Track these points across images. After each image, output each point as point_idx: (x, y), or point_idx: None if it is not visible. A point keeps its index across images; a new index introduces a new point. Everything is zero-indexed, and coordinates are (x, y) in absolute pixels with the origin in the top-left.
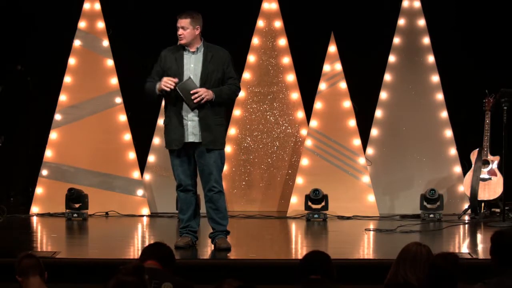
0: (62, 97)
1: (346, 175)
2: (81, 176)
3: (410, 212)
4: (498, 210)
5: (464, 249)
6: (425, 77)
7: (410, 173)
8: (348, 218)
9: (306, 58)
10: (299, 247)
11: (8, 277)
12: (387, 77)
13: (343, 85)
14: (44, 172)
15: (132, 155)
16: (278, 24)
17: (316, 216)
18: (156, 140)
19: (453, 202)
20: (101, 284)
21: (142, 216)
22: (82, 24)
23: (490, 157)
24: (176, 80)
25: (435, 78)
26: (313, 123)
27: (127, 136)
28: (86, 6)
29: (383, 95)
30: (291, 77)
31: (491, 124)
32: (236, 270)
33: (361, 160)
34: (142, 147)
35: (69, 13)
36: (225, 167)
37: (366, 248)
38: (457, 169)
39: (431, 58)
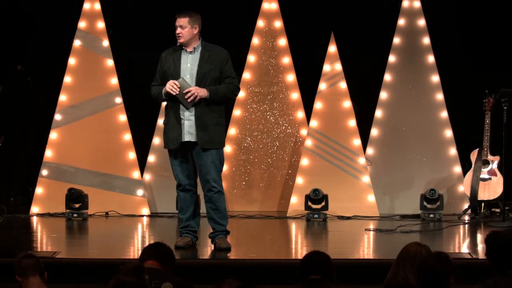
0: (62, 97)
1: (346, 175)
2: (81, 176)
3: (410, 212)
4: (498, 210)
5: (464, 249)
6: (425, 77)
7: (410, 173)
8: (348, 218)
9: (306, 58)
10: (299, 247)
11: (8, 277)
12: (387, 77)
13: (343, 85)
14: (44, 172)
15: (132, 155)
16: (278, 24)
17: (316, 216)
18: (156, 140)
19: (453, 202)
20: (101, 284)
21: (142, 216)
22: (82, 24)
23: (490, 157)
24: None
25: (435, 78)
26: (313, 123)
27: (127, 136)
28: (86, 6)
29: (383, 95)
30: (291, 77)
31: (491, 124)
32: (236, 270)
33: (361, 160)
34: (142, 147)
35: (69, 13)
36: (225, 167)
37: (366, 248)
38: (457, 169)
39: (431, 58)
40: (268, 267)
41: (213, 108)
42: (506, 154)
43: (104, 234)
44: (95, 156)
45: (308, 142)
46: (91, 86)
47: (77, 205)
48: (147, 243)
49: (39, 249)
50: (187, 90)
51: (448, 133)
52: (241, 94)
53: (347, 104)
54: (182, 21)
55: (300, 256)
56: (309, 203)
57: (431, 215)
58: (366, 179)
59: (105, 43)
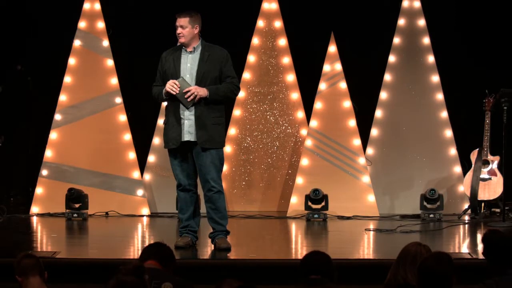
0: (62, 97)
1: (346, 175)
2: (81, 176)
3: (410, 212)
4: (498, 210)
5: (464, 249)
6: (425, 77)
7: (410, 173)
8: (348, 218)
9: (306, 58)
10: (299, 247)
11: (8, 277)
12: (387, 77)
13: (343, 85)
14: (44, 172)
15: (132, 155)
16: (278, 24)
17: (316, 216)
18: (156, 140)
19: (453, 202)
20: (101, 284)
21: (142, 216)
22: (82, 24)
23: (490, 157)
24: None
25: (435, 78)
26: (313, 123)
27: (127, 136)
28: (86, 6)
29: (383, 95)
30: (291, 77)
31: (491, 124)
32: (236, 270)
33: (361, 160)
34: (142, 147)
35: (69, 13)
36: (225, 167)
37: (366, 248)
38: (457, 169)
39: (431, 58)
40: (268, 267)
41: (213, 108)
42: (506, 154)
43: (104, 234)
44: (95, 156)
45: (308, 142)
46: (91, 86)
47: (77, 205)
48: (147, 243)
49: (39, 249)
50: (187, 89)
51: (448, 133)
52: (241, 94)
53: (347, 104)
54: (183, 21)
55: (300, 256)
56: (309, 203)
57: (431, 215)
58: (366, 179)
59: (105, 43)
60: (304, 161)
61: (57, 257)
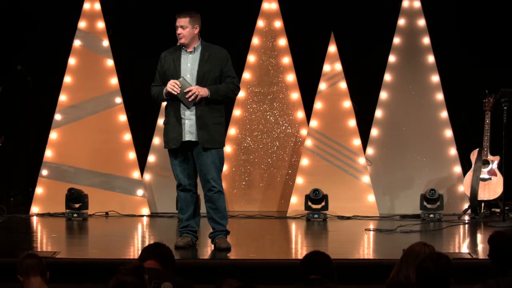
0: (62, 97)
1: (346, 175)
2: (81, 176)
3: (410, 212)
4: (498, 210)
5: (464, 249)
6: (425, 77)
7: (410, 173)
8: (348, 218)
9: (306, 58)
10: (299, 247)
11: (8, 277)
12: (387, 77)
13: (343, 85)
14: (44, 172)
15: (132, 155)
16: (278, 24)
17: (316, 216)
18: (156, 140)
19: (453, 202)
20: (101, 284)
21: (142, 216)
22: (82, 24)
23: (490, 157)
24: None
25: (435, 78)
26: (313, 123)
27: (127, 136)
28: (86, 6)
29: (383, 95)
30: (291, 77)
31: (491, 124)
32: (236, 270)
33: (361, 160)
34: (142, 147)
35: (69, 13)
36: (225, 167)
37: (366, 248)
38: (457, 169)
39: (431, 58)
40: (268, 267)
41: (213, 108)
42: (506, 154)
43: (104, 234)
44: (95, 156)
45: (308, 142)
46: (91, 86)
47: (77, 205)
48: (147, 243)
49: (39, 249)
50: (188, 89)
51: (448, 133)
52: (241, 94)
53: (347, 104)
54: (183, 21)
55: (300, 256)
56: (309, 203)
57: (431, 215)
58: (366, 179)
59: (105, 43)
60: (304, 161)
61: (57, 257)
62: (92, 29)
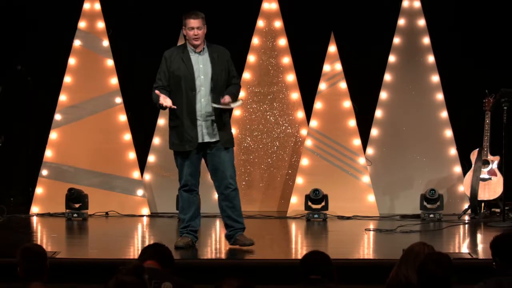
0: (62, 97)
1: (346, 175)
2: (81, 176)
3: (410, 212)
4: (498, 210)
5: (464, 249)
6: (425, 77)
7: (410, 173)
8: (348, 218)
9: (306, 58)
10: (299, 247)
11: (8, 277)
12: (387, 77)
13: (343, 85)
14: (44, 172)
15: (132, 155)
16: (278, 24)
17: (316, 216)
18: (156, 140)
19: (453, 202)
20: (101, 284)
21: (142, 216)
22: (82, 24)
23: (490, 157)
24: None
25: (435, 78)
26: (313, 123)
27: (127, 136)
28: (86, 6)
29: (383, 95)
30: (291, 77)
31: (491, 124)
32: (236, 270)
33: (361, 160)
34: (142, 147)
35: (69, 13)
36: None
37: (366, 248)
38: (457, 169)
39: (431, 58)
40: (268, 267)
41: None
42: (506, 154)
43: (104, 234)
44: (95, 156)
45: (308, 142)
46: (91, 86)
47: (77, 205)
48: (147, 243)
49: None
50: (224, 101)
51: (448, 133)
52: (241, 94)
53: (347, 104)
54: (198, 22)
55: (300, 256)
56: (309, 203)
57: (431, 215)
58: (366, 179)
59: (105, 43)
60: (304, 161)
61: (57, 257)
62: (92, 29)
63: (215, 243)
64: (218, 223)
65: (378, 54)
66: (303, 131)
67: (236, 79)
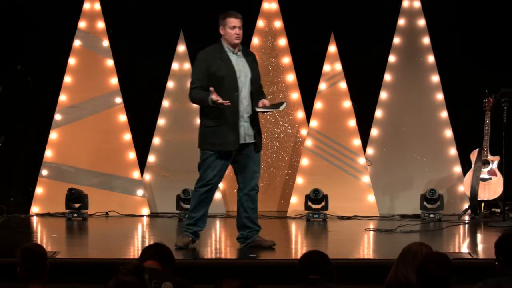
0: (62, 97)
1: (346, 175)
2: (81, 176)
3: (410, 212)
4: (498, 210)
5: (464, 249)
6: (425, 77)
7: (410, 173)
8: (348, 218)
9: (306, 58)
10: (299, 247)
11: (8, 277)
12: (387, 77)
13: (343, 85)
14: (44, 172)
15: (132, 155)
16: (278, 24)
17: (316, 216)
18: (156, 140)
19: (453, 202)
20: (101, 284)
21: (142, 216)
22: (82, 24)
23: (490, 157)
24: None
25: (435, 78)
26: (313, 123)
27: (127, 136)
28: (86, 6)
29: (383, 95)
30: (291, 77)
31: (491, 124)
32: (236, 270)
33: (361, 160)
34: (142, 147)
35: (69, 13)
36: None
37: (366, 248)
38: (457, 169)
39: (431, 58)
40: (268, 267)
41: None
42: (506, 154)
43: (104, 234)
44: (95, 156)
45: (308, 142)
46: (91, 86)
47: (77, 205)
48: (147, 243)
49: None
50: (264, 104)
51: (448, 133)
52: None
53: (347, 104)
54: (239, 21)
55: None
56: (309, 203)
57: (431, 215)
58: (366, 179)
59: (105, 43)
60: (304, 161)
61: (57, 257)
62: (92, 29)
63: (215, 243)
64: (218, 223)
65: (378, 54)
66: (303, 131)
67: (261, 84)
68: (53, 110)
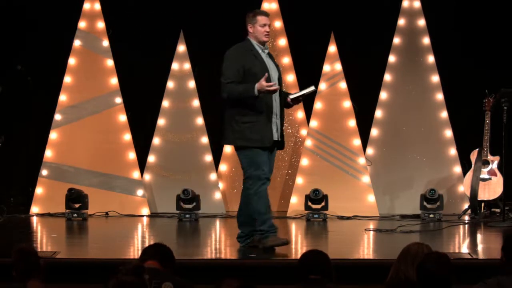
0: (62, 97)
1: (346, 175)
2: (81, 176)
3: (410, 212)
4: (498, 210)
5: (464, 249)
6: (425, 77)
7: (410, 173)
8: (348, 218)
9: (306, 58)
10: (299, 247)
11: (8, 277)
12: (387, 77)
13: (343, 85)
14: (44, 172)
15: (132, 155)
16: (278, 24)
17: (316, 216)
18: (156, 140)
19: (453, 202)
20: (101, 284)
21: (142, 216)
22: (82, 24)
23: (490, 157)
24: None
25: (435, 78)
26: (313, 123)
27: (127, 136)
28: (86, 6)
29: (383, 95)
30: (291, 77)
31: (491, 124)
32: (236, 270)
33: (361, 160)
34: (142, 147)
35: (69, 13)
36: (225, 167)
37: (366, 248)
38: (457, 169)
39: (431, 58)
40: (268, 267)
41: None
42: (506, 154)
43: (104, 234)
44: (95, 156)
45: (308, 142)
46: (91, 86)
47: (77, 205)
48: (147, 243)
49: (39, 249)
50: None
51: (448, 133)
52: None
53: (347, 104)
54: (268, 20)
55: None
56: (309, 203)
57: (431, 215)
58: (366, 179)
59: (105, 43)
60: (304, 161)
61: (57, 257)
62: (92, 29)
63: (215, 243)
64: (218, 223)
65: (378, 54)
66: (303, 131)
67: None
68: (53, 110)
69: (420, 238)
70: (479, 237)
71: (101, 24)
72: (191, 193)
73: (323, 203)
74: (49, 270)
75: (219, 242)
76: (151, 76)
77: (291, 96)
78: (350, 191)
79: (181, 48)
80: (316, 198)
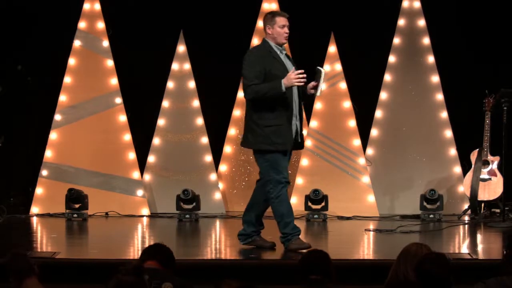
0: (62, 97)
1: (346, 176)
2: (81, 176)
3: (410, 212)
4: (498, 210)
5: (464, 249)
6: (425, 77)
7: (410, 173)
8: (348, 218)
9: (306, 58)
10: None
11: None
12: (387, 77)
13: (343, 85)
14: (44, 172)
15: (132, 155)
16: None
17: (316, 216)
18: (156, 140)
19: (453, 203)
20: (101, 284)
21: (142, 216)
22: (82, 24)
23: (490, 157)
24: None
25: (435, 78)
26: (313, 123)
27: (127, 136)
28: (86, 6)
29: (383, 95)
30: None
31: (491, 124)
32: (236, 270)
33: (361, 160)
34: (142, 147)
35: (69, 13)
36: (225, 167)
37: (366, 248)
38: (457, 169)
39: (431, 58)
40: (268, 267)
41: None
42: (506, 154)
43: (104, 234)
44: (95, 156)
45: (308, 142)
46: (91, 86)
47: (77, 206)
48: (147, 244)
49: (39, 249)
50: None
51: (448, 133)
52: (241, 94)
53: (347, 104)
54: (287, 21)
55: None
56: (309, 204)
57: (431, 216)
58: (366, 179)
59: (105, 43)
60: (304, 161)
61: (57, 257)
62: (92, 29)
63: (215, 243)
64: (218, 223)
65: (378, 54)
66: (303, 131)
67: None
68: (53, 110)
69: (420, 239)
70: (479, 237)
71: (101, 24)
72: (191, 193)
73: (323, 203)
74: (49, 270)
75: (219, 243)
76: (151, 76)
77: (319, 67)
78: (350, 191)
79: (181, 48)
80: (316, 198)
